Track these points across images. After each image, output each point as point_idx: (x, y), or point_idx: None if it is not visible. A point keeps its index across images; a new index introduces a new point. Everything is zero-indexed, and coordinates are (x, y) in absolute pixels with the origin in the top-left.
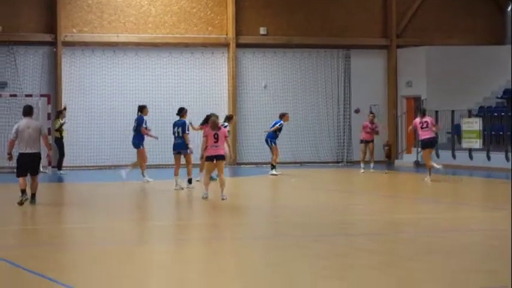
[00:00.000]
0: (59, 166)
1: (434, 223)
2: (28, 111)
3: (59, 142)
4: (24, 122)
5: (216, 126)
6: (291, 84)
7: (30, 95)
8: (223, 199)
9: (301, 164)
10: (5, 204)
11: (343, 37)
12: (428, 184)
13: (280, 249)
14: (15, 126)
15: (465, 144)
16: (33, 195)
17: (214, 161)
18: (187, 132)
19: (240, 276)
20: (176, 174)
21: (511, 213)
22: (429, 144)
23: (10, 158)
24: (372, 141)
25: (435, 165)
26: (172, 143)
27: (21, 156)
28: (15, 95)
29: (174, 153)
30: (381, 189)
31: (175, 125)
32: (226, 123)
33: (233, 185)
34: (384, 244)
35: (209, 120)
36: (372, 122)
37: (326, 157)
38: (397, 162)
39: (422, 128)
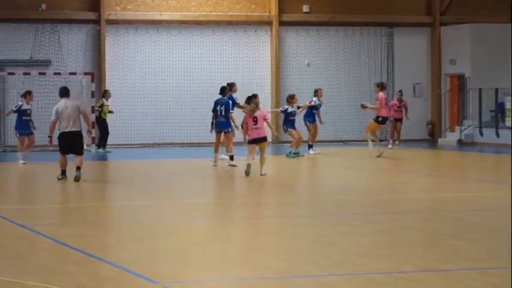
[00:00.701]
0: (99, 144)
1: (479, 201)
2: (64, 92)
3: (99, 121)
4: (62, 102)
5: (253, 111)
6: (333, 63)
7: (74, 73)
8: (261, 175)
9: (344, 142)
10: (49, 182)
11: (386, 14)
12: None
13: (322, 227)
14: (54, 108)
15: (509, 122)
16: (77, 168)
17: (257, 143)
18: (231, 111)
19: (283, 253)
20: (216, 151)
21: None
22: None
23: (50, 140)
24: (401, 119)
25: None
26: (209, 121)
27: (62, 134)
28: (59, 73)
29: (216, 131)
30: (423, 168)
31: (217, 103)
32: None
33: (274, 164)
34: (427, 222)
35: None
36: (400, 100)
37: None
38: (440, 140)
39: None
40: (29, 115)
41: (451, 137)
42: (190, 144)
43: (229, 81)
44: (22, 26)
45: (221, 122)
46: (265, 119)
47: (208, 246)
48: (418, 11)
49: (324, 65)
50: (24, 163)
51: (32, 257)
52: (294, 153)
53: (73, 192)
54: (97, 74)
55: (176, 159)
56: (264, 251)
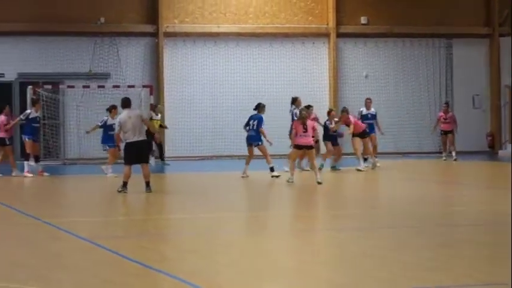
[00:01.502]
0: (161, 156)
1: None
2: (126, 103)
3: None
4: (124, 113)
5: (304, 119)
6: (392, 74)
7: (133, 86)
8: (318, 182)
9: (403, 154)
10: (107, 195)
11: (444, 26)
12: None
13: (381, 239)
14: (117, 120)
15: None
16: (147, 184)
17: (304, 150)
18: (262, 127)
19: (341, 266)
20: (247, 163)
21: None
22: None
23: (119, 149)
24: (451, 131)
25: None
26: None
27: (128, 145)
28: (118, 86)
29: (247, 145)
30: (482, 180)
31: (251, 118)
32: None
33: (332, 175)
34: (488, 235)
35: (302, 114)
36: (446, 112)
37: (428, 148)
38: (500, 152)
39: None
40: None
41: (511, 149)
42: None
43: (293, 96)
44: (81, 40)
45: (252, 136)
46: (313, 129)
47: (267, 258)
48: (477, 22)
49: (382, 76)
50: (116, 176)
51: (92, 270)
52: (332, 167)
53: (132, 205)
54: (155, 86)
55: (234, 172)
56: (322, 263)
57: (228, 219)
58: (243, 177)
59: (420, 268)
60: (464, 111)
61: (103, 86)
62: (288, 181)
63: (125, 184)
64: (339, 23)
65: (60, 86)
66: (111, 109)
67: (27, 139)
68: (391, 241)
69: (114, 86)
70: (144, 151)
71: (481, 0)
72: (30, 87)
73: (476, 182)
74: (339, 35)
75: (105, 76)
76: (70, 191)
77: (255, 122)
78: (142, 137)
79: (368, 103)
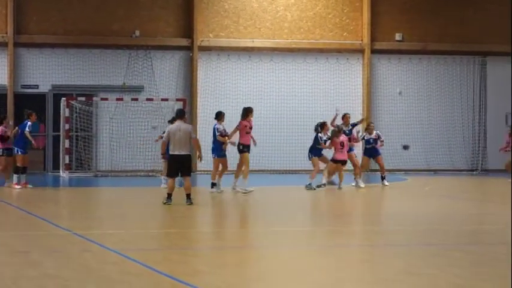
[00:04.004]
0: None
1: None
2: (180, 114)
3: None
4: (176, 124)
5: (338, 135)
6: (426, 91)
7: (166, 99)
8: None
9: (435, 171)
10: (142, 206)
11: (479, 43)
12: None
13: (414, 257)
14: (167, 129)
15: None
16: (188, 196)
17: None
18: (218, 133)
19: (374, 284)
20: (220, 176)
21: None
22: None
23: (164, 157)
24: None
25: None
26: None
27: (172, 157)
28: (151, 99)
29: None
30: None
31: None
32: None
33: (364, 192)
34: None
35: (333, 131)
36: (511, 135)
37: (460, 165)
38: None
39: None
40: None
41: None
42: (285, 172)
43: (320, 121)
44: (116, 52)
45: (212, 148)
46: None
47: (298, 274)
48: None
49: (416, 93)
50: (166, 187)
51: (121, 283)
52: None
53: (168, 218)
54: (189, 100)
55: (267, 186)
56: (357, 280)
57: (259, 234)
58: (217, 192)
59: (453, 286)
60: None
61: (136, 99)
62: (322, 185)
63: (169, 196)
64: (373, 39)
65: (94, 99)
66: (173, 121)
67: (19, 152)
68: (426, 259)
69: (148, 99)
70: (186, 164)
71: None
72: (63, 99)
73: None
74: (373, 51)
75: (139, 89)
76: (102, 202)
77: (212, 133)
78: (186, 151)
79: (371, 128)
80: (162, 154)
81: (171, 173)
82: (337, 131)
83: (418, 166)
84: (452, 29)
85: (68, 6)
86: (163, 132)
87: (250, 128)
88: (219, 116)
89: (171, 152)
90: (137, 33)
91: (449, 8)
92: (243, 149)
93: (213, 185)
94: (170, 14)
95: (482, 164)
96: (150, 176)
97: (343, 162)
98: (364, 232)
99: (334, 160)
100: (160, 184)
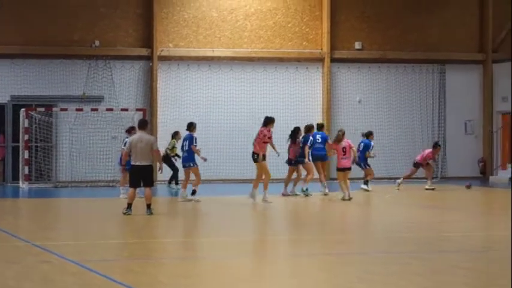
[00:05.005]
0: (170, 181)
1: None
2: (142, 125)
3: (167, 160)
4: (137, 135)
5: (341, 141)
6: (385, 99)
7: (126, 109)
8: (347, 199)
9: (395, 179)
10: (102, 217)
11: (438, 52)
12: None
13: (375, 265)
14: (129, 139)
15: None
16: (148, 206)
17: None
18: (194, 144)
19: None
20: (184, 187)
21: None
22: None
23: (124, 167)
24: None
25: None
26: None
27: (133, 167)
28: (111, 109)
29: (183, 168)
30: (474, 206)
31: (184, 139)
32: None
33: (326, 200)
34: (479, 262)
35: (337, 136)
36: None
37: (420, 173)
38: (492, 178)
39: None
40: None
41: (502, 175)
42: (247, 181)
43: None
44: (75, 62)
45: (184, 157)
46: (351, 148)
47: (256, 284)
48: (470, 49)
49: (375, 101)
50: (126, 197)
51: None
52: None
53: (128, 228)
54: (149, 110)
55: (224, 196)
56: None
57: (217, 244)
58: (180, 201)
59: None
60: (457, 137)
61: (96, 109)
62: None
63: (129, 206)
64: (333, 48)
65: (54, 109)
66: (131, 130)
67: None
68: (386, 267)
69: (108, 109)
70: (147, 175)
71: (475, 27)
72: (23, 109)
73: (466, 208)
74: (333, 60)
75: (99, 99)
76: (61, 213)
77: (186, 143)
78: (146, 162)
79: (373, 136)
80: (122, 165)
81: (133, 183)
82: (341, 135)
83: (378, 174)
84: (411, 37)
85: (28, 17)
86: (124, 145)
87: (269, 137)
88: (191, 126)
89: (132, 163)
90: (97, 43)
91: (408, 17)
92: (258, 158)
93: (194, 192)
94: (130, 24)
95: (441, 172)
96: (110, 186)
97: (347, 169)
98: (322, 241)
99: (338, 168)
100: (119, 194)
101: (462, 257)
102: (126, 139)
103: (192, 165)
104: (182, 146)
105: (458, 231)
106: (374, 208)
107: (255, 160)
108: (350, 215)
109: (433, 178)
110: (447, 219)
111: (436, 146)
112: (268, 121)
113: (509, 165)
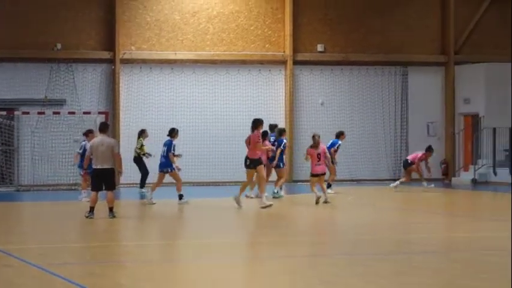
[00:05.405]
0: (141, 184)
1: (492, 241)
2: (103, 128)
3: (138, 161)
4: (98, 138)
5: (317, 146)
6: (348, 102)
7: (89, 112)
8: (325, 202)
9: (358, 181)
10: (64, 220)
11: (400, 54)
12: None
13: (337, 267)
14: (90, 143)
15: None
16: (110, 209)
17: (319, 177)
18: (172, 151)
19: None
20: (153, 189)
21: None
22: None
23: (85, 171)
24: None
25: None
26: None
27: (95, 171)
28: (73, 113)
29: (158, 172)
30: (437, 207)
31: (163, 144)
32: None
33: (289, 203)
34: (442, 263)
35: (313, 140)
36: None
37: (383, 175)
38: (454, 180)
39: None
40: None
41: (465, 176)
42: (210, 184)
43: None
44: (37, 65)
45: (162, 163)
46: (325, 155)
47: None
48: (433, 51)
49: (338, 104)
50: (88, 200)
51: None
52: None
53: (90, 231)
54: (111, 113)
55: (194, 199)
56: None
57: (182, 247)
58: (148, 204)
59: None
60: (419, 139)
61: (58, 113)
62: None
63: (91, 209)
64: (295, 50)
65: (15, 112)
66: (88, 133)
67: None
68: (349, 269)
69: (70, 113)
70: (109, 178)
71: (437, 29)
72: None
73: (430, 209)
74: (296, 63)
75: (61, 102)
76: (24, 217)
77: (165, 148)
78: (108, 165)
79: (344, 136)
80: (84, 168)
81: (95, 186)
82: (318, 140)
83: (340, 176)
84: (373, 40)
85: None
86: (80, 149)
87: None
88: (173, 132)
89: (94, 166)
90: (59, 46)
91: (370, 19)
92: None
93: (181, 196)
94: (92, 27)
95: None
96: (72, 189)
97: (322, 175)
98: (286, 243)
99: (313, 174)
100: (81, 198)
101: (425, 258)
102: (83, 142)
103: (170, 170)
104: (162, 151)
105: (421, 233)
106: (338, 210)
107: (248, 166)
108: (314, 218)
109: (397, 180)
110: (409, 221)
111: (429, 149)
112: (258, 123)
113: (472, 166)
